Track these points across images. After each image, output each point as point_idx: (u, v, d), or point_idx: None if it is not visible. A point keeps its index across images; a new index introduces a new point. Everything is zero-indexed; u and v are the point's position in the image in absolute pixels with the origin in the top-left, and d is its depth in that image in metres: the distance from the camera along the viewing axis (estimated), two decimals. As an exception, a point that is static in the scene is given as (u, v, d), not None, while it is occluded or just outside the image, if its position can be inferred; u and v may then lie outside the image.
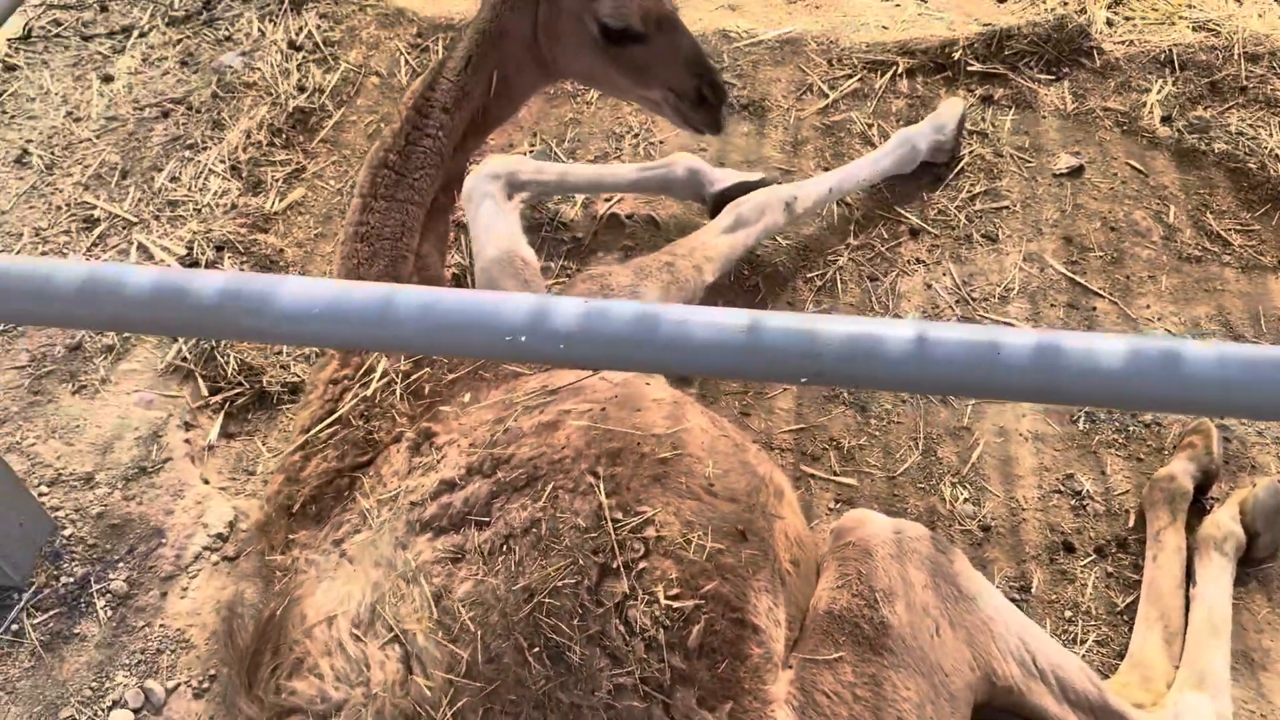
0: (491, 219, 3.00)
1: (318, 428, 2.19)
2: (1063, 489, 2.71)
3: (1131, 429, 2.80)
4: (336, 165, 3.51)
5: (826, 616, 1.97)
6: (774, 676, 1.85)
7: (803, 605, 2.04)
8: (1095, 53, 3.73)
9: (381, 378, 2.20)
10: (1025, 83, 3.67)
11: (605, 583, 1.79)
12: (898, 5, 4.02)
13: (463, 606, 1.80)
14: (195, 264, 3.12)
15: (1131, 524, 2.63)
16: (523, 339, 1.61)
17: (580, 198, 3.37)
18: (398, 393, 2.18)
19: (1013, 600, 2.52)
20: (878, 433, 2.84)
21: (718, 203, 3.13)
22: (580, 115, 3.66)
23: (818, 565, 2.14)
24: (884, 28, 3.92)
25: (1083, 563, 2.57)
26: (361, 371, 2.23)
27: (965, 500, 2.70)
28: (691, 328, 1.59)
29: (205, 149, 3.52)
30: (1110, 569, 2.56)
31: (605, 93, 3.35)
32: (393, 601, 1.86)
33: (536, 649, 1.76)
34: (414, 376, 2.21)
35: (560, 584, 1.79)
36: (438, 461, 2.02)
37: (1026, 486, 2.72)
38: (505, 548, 1.84)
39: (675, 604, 1.79)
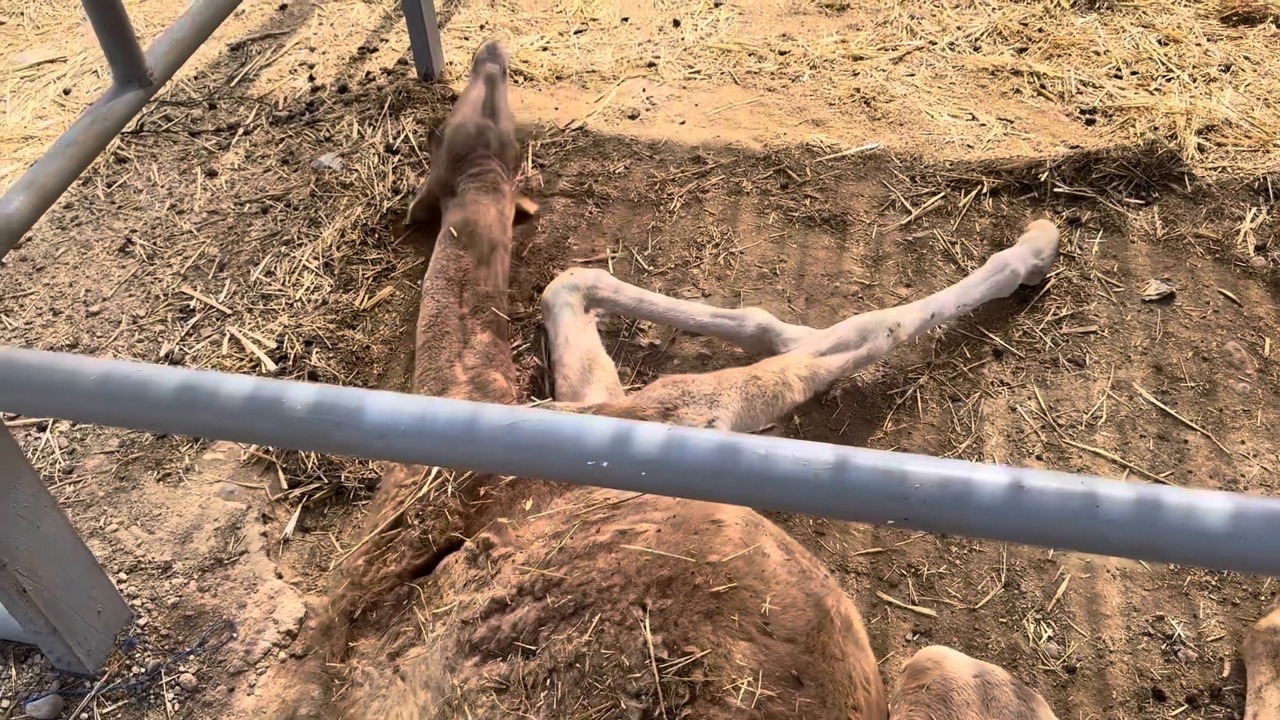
0: (569, 328, 3.04)
1: (376, 532, 2.20)
2: (1152, 632, 2.59)
3: (1224, 571, 2.68)
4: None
5: None
6: None
7: None
8: (1186, 178, 3.69)
9: (435, 478, 2.22)
10: (1114, 206, 3.63)
11: None
12: (983, 125, 4.03)
13: None
14: (284, 358, 3.20)
15: (1226, 673, 2.50)
16: (604, 464, 1.61)
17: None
18: (449, 490, 2.19)
19: (1098, 749, 2.41)
20: (958, 561, 2.76)
21: None
22: (662, 224, 3.70)
23: (888, 708, 2.06)
24: (969, 146, 3.93)
25: (1174, 712, 2.44)
26: (422, 475, 2.25)
27: (1049, 639, 2.59)
28: (776, 461, 1.57)
29: (300, 245, 3.63)
30: (1204, 721, 2.43)
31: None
32: None
33: None
34: (467, 475, 2.22)
35: None
36: (492, 576, 2.00)
37: (1114, 627, 2.61)
38: (549, 682, 1.80)
39: None
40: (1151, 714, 2.45)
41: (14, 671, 2.52)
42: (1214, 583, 2.67)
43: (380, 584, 2.14)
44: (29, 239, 3.73)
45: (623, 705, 1.74)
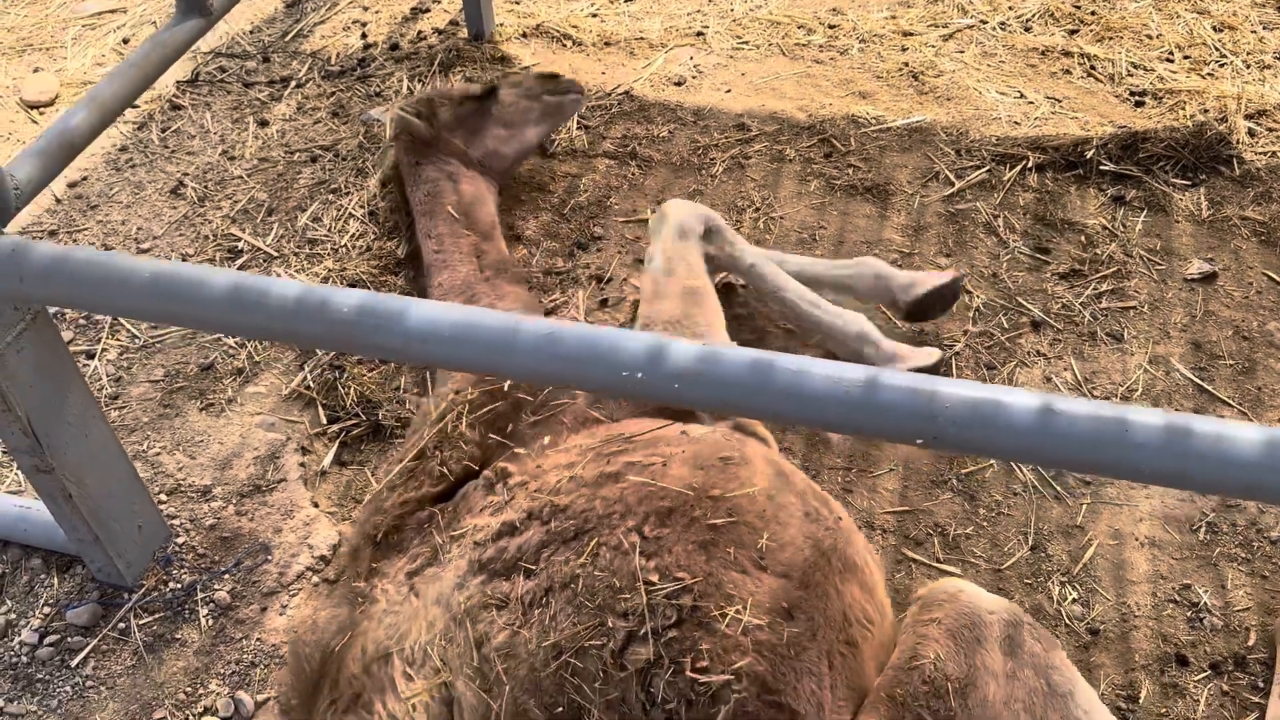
0: (692, 255, 2.93)
1: (401, 464, 2.26)
2: (1179, 599, 2.59)
3: (1255, 544, 2.67)
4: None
5: (889, 699, 1.87)
6: None
7: (864, 686, 1.96)
8: (1235, 161, 3.65)
9: (450, 408, 2.26)
10: (1159, 186, 3.61)
11: (631, 647, 1.75)
12: (1030, 103, 4.02)
13: (498, 656, 1.81)
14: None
15: (1252, 643, 2.49)
16: (639, 375, 1.64)
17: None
18: (463, 423, 2.23)
19: (1118, 710, 2.41)
20: (985, 523, 2.77)
21: (913, 311, 3.08)
22: (703, 187, 3.73)
23: (890, 641, 2.05)
24: (1015, 123, 3.92)
25: (1196, 678, 2.44)
26: (438, 410, 2.31)
27: (1074, 600, 2.59)
28: (808, 378, 1.59)
29: (347, 194, 3.69)
30: (1226, 687, 2.42)
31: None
32: (443, 644, 1.87)
33: (560, 709, 1.74)
34: (486, 408, 2.26)
35: (587, 644, 1.76)
36: (506, 503, 2.03)
37: (1140, 593, 2.61)
38: (544, 600, 1.83)
39: (703, 677, 1.73)
40: (1174, 678, 2.44)
41: (56, 581, 2.60)
42: (1243, 555, 2.66)
43: (402, 509, 2.20)
44: (84, 178, 3.82)
45: (610, 624, 1.77)
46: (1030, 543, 2.71)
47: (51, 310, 3.24)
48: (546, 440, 2.22)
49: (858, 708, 1.90)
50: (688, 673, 1.72)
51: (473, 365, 1.71)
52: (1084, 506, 2.78)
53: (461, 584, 1.93)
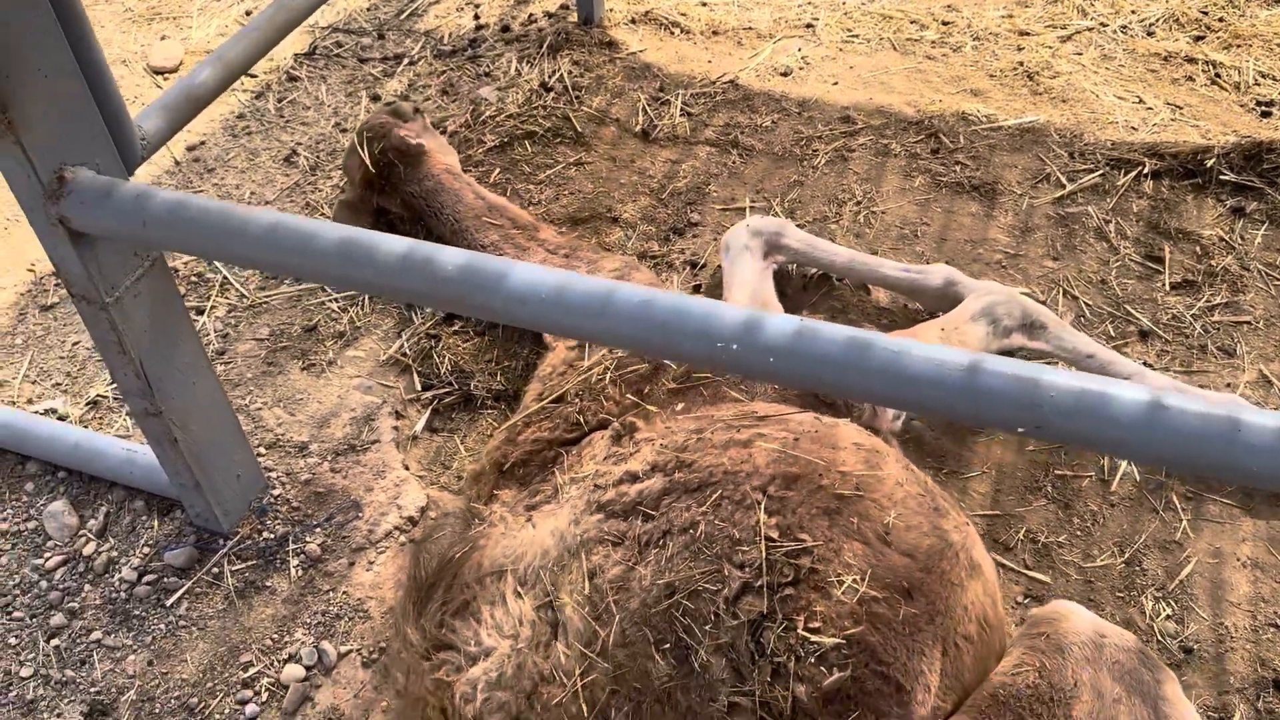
0: (746, 272, 3.05)
1: (539, 404, 2.33)
2: (1279, 624, 2.49)
3: (1369, 573, 2.55)
4: (555, 190, 3.68)
5: (990, 698, 1.86)
6: None
7: (969, 685, 1.93)
8: (1367, 176, 3.49)
9: (599, 364, 2.33)
10: (1283, 199, 3.46)
11: (745, 598, 1.77)
12: (1149, 109, 3.89)
13: (611, 587, 1.84)
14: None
15: (1358, 675, 2.38)
16: (734, 347, 1.64)
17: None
18: (608, 377, 2.29)
19: (1210, 732, 2.32)
20: (1079, 533, 2.69)
21: None
22: (804, 178, 3.70)
23: (1000, 651, 2.03)
24: (1133, 128, 3.80)
25: (1296, 706, 2.34)
26: (589, 361, 2.38)
27: (1167, 617, 2.51)
28: (907, 359, 1.57)
29: (451, 168, 3.75)
30: (1328, 718, 2.32)
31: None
32: (555, 570, 1.92)
33: (667, 645, 1.76)
34: (631, 368, 2.31)
35: (701, 588, 1.78)
36: (631, 454, 2.07)
37: (1239, 614, 2.51)
38: (662, 542, 1.87)
39: (813, 637, 1.73)
40: (1270, 704, 2.35)
41: (156, 523, 2.70)
42: (1354, 583, 2.54)
43: (532, 445, 2.29)
44: (202, 142, 3.96)
45: (726, 571, 1.78)
46: (1125, 555, 2.63)
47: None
48: (680, 407, 2.27)
49: (959, 704, 1.88)
50: (800, 630, 1.73)
51: (568, 330, 1.73)
52: (1184, 523, 2.69)
53: (577, 520, 1.98)
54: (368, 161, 3.31)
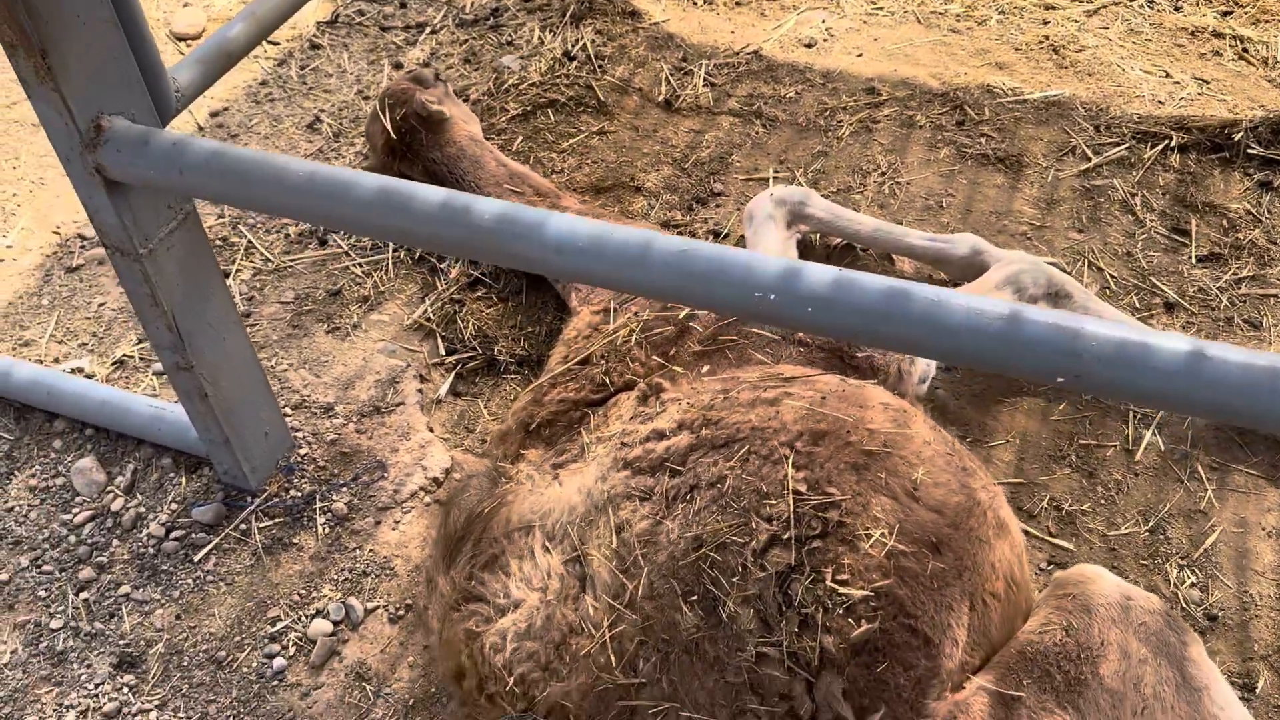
0: (770, 241, 3.04)
1: (565, 365, 2.34)
2: (1306, 592, 2.48)
3: (1395, 543, 2.55)
4: (578, 159, 3.67)
5: (1018, 655, 1.86)
6: (938, 694, 1.76)
7: (996, 643, 1.94)
8: (1396, 152, 3.46)
9: (624, 327, 2.34)
10: (1311, 173, 3.44)
11: (772, 550, 1.77)
12: (1176, 83, 3.87)
13: (638, 541, 1.85)
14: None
15: (1384, 643, 2.38)
16: (772, 297, 1.64)
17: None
18: (634, 339, 2.29)
19: (1234, 697, 2.32)
20: (1104, 501, 2.69)
21: None
22: (828, 149, 3.68)
23: (1026, 611, 2.03)
24: (1159, 102, 3.77)
25: (1321, 673, 2.34)
26: (613, 325, 2.39)
27: (1191, 585, 2.51)
28: (946, 309, 1.57)
29: (474, 136, 3.75)
30: (1353, 685, 2.32)
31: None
32: (583, 525, 1.94)
33: (695, 596, 1.77)
34: (656, 330, 2.32)
35: (728, 540, 1.79)
36: (657, 414, 2.08)
37: (1263, 583, 2.51)
38: (689, 496, 1.87)
39: (841, 589, 1.74)
40: (1296, 671, 2.35)
41: (184, 480, 2.71)
42: (1380, 553, 2.54)
43: (558, 405, 2.30)
44: (226, 108, 3.96)
45: (753, 525, 1.79)
46: (1149, 524, 2.63)
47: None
48: (705, 369, 2.27)
49: (986, 659, 1.89)
50: (827, 582, 1.73)
51: (605, 280, 1.73)
52: (1209, 492, 2.68)
53: (604, 477, 2.00)
54: (389, 128, 3.31)
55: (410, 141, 3.29)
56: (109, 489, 2.71)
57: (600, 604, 1.85)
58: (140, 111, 2.05)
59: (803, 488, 1.82)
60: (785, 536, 1.77)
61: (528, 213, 1.75)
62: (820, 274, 1.64)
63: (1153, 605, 1.95)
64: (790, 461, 1.86)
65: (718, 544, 1.80)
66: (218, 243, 3.40)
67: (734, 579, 1.77)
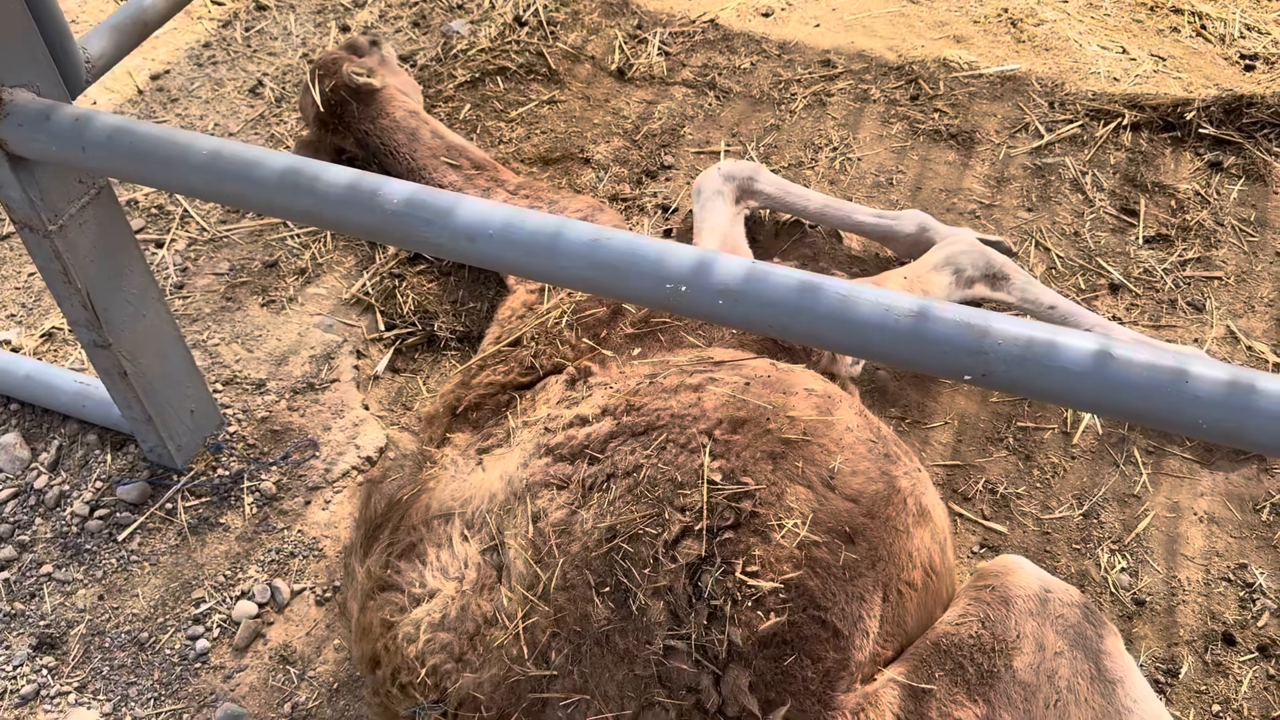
0: (717, 217, 3.01)
1: (495, 346, 2.31)
2: (1232, 578, 2.49)
3: (1324, 530, 2.56)
4: (526, 129, 3.61)
5: (932, 647, 1.86)
6: (847, 686, 1.75)
7: (912, 633, 1.93)
8: (1347, 133, 3.45)
9: (556, 308, 2.31)
10: (1261, 154, 3.42)
11: (684, 541, 1.76)
12: (1132, 59, 3.83)
13: (553, 531, 1.84)
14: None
15: (1307, 630, 2.39)
16: (683, 289, 1.61)
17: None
18: (565, 321, 2.26)
19: (1157, 684, 2.34)
20: (1039, 484, 2.69)
21: None
22: (781, 123, 3.63)
23: (947, 599, 2.03)
24: (1115, 79, 3.74)
25: (1242, 658, 2.35)
26: (545, 306, 2.36)
27: (1122, 570, 2.52)
28: (855, 304, 1.54)
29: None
30: (1272, 671, 2.33)
31: None
32: (501, 514, 1.92)
33: (607, 588, 1.76)
34: (588, 311, 2.29)
35: (641, 531, 1.78)
36: (583, 399, 2.05)
37: (1192, 568, 2.52)
38: (605, 485, 1.86)
39: (750, 581, 1.73)
40: (1218, 656, 2.36)
41: (109, 457, 2.67)
42: (1308, 540, 2.55)
43: (486, 388, 2.27)
44: (167, 71, 3.86)
45: (666, 515, 1.77)
46: (1083, 508, 2.63)
47: (124, 199, 3.30)
48: (636, 352, 2.24)
49: (901, 650, 1.88)
50: (737, 574, 1.72)
51: (516, 267, 1.69)
52: (1144, 477, 2.69)
53: (525, 464, 1.97)
54: (318, 100, 3.21)
55: (341, 114, 3.20)
56: (33, 466, 2.66)
57: (515, 595, 1.83)
58: (46, 84, 1.98)
59: (717, 477, 1.80)
60: (697, 527, 1.76)
61: (438, 197, 1.71)
62: (732, 266, 1.60)
63: (1071, 598, 1.95)
64: (707, 450, 1.83)
65: (630, 535, 1.78)
66: (153, 211, 3.33)
67: (645, 570, 1.75)
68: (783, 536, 1.76)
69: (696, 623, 1.71)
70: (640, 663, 1.72)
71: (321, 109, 3.18)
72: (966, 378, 1.51)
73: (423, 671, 1.86)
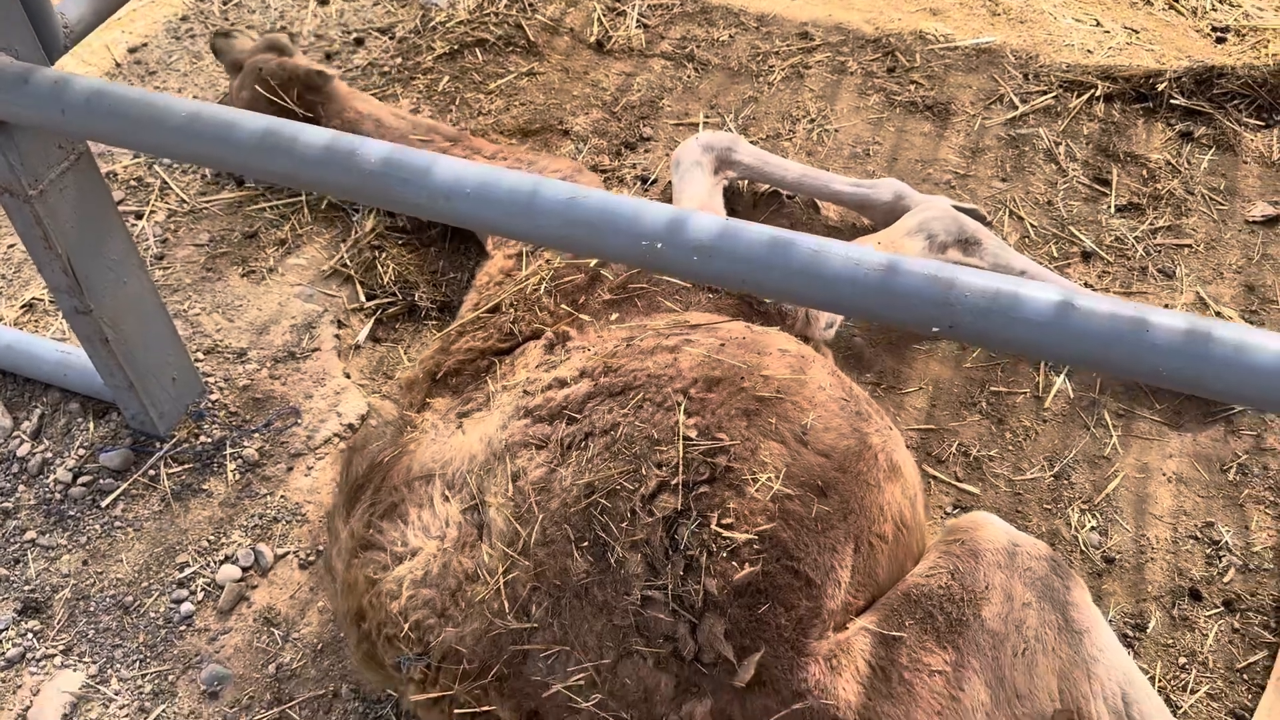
0: (696, 188, 3.03)
1: (474, 313, 2.34)
2: (1199, 536, 2.55)
3: (1287, 488, 2.62)
4: (505, 101, 3.62)
5: (903, 597, 1.90)
6: (819, 633, 1.79)
7: (883, 584, 1.98)
8: (1315, 104, 3.51)
9: (535, 274, 2.33)
10: (1230, 125, 3.47)
11: (661, 496, 1.80)
12: (1106, 32, 3.87)
13: (533, 489, 1.88)
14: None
15: (1271, 585, 2.45)
16: (659, 245, 1.63)
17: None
18: (544, 287, 2.29)
19: (1125, 638, 2.39)
20: (1011, 447, 2.74)
21: None
22: (759, 94, 3.66)
23: (918, 554, 2.07)
24: (1088, 51, 3.78)
25: (1208, 613, 2.41)
26: (523, 272, 2.38)
27: (1092, 529, 2.57)
28: (827, 258, 1.58)
29: (399, 79, 3.68)
30: (1237, 624, 2.39)
31: None
32: (482, 474, 1.95)
33: (585, 542, 1.80)
34: (567, 278, 2.31)
35: (619, 487, 1.82)
36: (562, 362, 2.08)
37: (1160, 526, 2.57)
38: (583, 443, 1.90)
39: (725, 533, 1.77)
40: (1185, 611, 2.42)
41: (92, 425, 2.68)
42: (1272, 498, 2.61)
43: (465, 354, 2.30)
44: (145, 44, 3.85)
45: (643, 471, 1.81)
46: (1054, 469, 2.68)
47: (104, 170, 3.30)
48: (614, 317, 2.27)
49: (873, 600, 1.92)
50: (713, 526, 1.76)
51: (493, 226, 1.71)
52: (1114, 439, 2.74)
53: (505, 425, 2.01)
54: (293, 106, 3.14)
55: (315, 114, 3.17)
56: (15, 434, 2.67)
57: (495, 551, 1.87)
58: (24, 47, 1.99)
59: (693, 434, 1.84)
60: (674, 482, 1.79)
61: (415, 157, 1.73)
62: (706, 223, 1.64)
63: (1039, 551, 2.00)
64: (682, 408, 1.87)
65: (608, 490, 1.82)
66: (132, 183, 3.33)
67: (623, 525, 1.79)
68: (757, 490, 1.79)
69: (673, 574, 1.75)
70: (619, 613, 1.76)
71: (299, 112, 3.13)
72: (935, 330, 1.55)
73: (406, 626, 1.89)
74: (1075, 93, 3.61)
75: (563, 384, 2.04)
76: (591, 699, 1.76)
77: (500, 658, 1.82)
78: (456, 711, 1.85)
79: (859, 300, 1.56)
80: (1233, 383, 1.44)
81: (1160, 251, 3.17)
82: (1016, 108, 3.57)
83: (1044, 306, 1.49)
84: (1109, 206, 3.29)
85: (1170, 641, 2.38)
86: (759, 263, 1.60)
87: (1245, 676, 2.32)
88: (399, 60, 3.76)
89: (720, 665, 1.73)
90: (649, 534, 1.77)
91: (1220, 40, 3.82)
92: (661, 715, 1.73)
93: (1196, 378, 1.46)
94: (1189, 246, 3.18)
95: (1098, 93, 3.58)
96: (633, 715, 1.74)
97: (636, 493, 1.80)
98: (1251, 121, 3.49)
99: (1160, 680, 2.31)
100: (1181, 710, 2.27)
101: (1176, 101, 3.53)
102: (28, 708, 2.24)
